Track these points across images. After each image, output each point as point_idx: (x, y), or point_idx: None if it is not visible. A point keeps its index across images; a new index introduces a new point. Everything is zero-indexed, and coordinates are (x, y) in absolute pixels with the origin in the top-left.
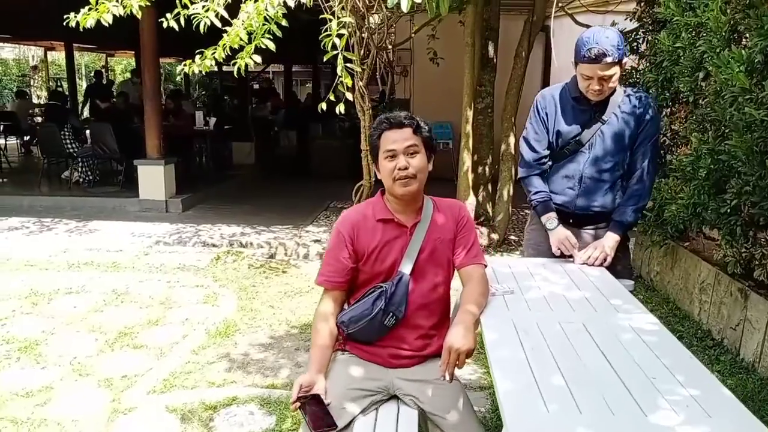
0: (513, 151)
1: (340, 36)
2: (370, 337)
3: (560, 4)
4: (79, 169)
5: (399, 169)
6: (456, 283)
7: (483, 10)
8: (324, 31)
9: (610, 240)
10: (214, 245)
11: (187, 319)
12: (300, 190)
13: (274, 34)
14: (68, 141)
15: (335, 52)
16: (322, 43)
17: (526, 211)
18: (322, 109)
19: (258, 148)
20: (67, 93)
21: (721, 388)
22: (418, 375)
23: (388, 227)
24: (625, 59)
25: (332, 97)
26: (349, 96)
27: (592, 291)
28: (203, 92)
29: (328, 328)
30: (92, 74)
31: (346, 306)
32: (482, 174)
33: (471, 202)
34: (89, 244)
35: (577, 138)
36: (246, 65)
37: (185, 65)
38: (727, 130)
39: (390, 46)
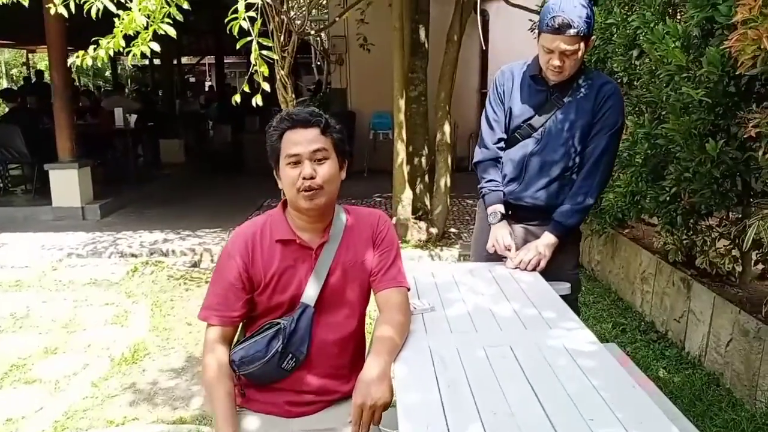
0: (449, 141)
1: (251, 21)
2: (264, 379)
3: None
4: None
5: (304, 179)
6: (374, 309)
7: None
8: (231, 13)
9: (545, 241)
10: (132, 255)
11: (90, 345)
12: (232, 189)
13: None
14: None
15: (248, 39)
16: (228, 27)
17: (468, 201)
18: (257, 103)
19: (188, 145)
20: None
21: (671, 429)
22: (326, 422)
23: (289, 249)
24: (594, 37)
25: (247, 88)
26: (266, 86)
27: (522, 302)
28: (136, 87)
29: (226, 379)
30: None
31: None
32: (418, 165)
33: (408, 196)
34: None
35: (529, 122)
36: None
37: (77, 57)
38: (663, 113)
39: (312, 32)
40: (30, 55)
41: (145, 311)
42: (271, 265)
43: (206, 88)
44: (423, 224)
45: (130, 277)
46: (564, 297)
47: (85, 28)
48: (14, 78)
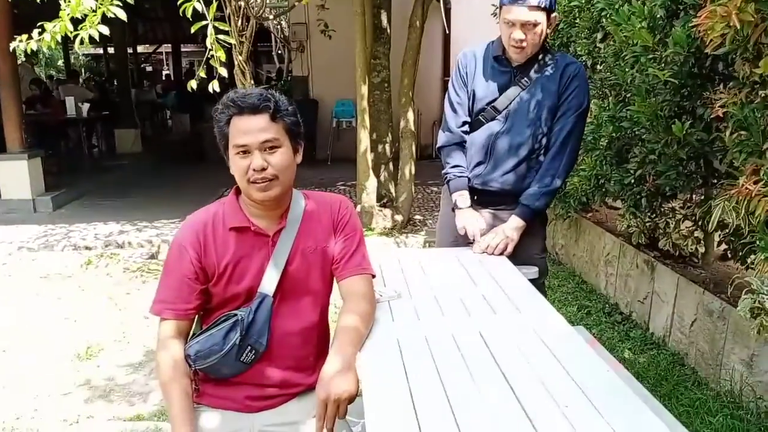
0: (413, 128)
1: (207, 4)
2: (222, 374)
3: None
4: None
5: (254, 170)
6: (338, 298)
7: None
8: None
9: (512, 224)
10: (86, 248)
11: (41, 341)
12: (191, 179)
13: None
14: None
15: (204, 23)
16: (181, 10)
17: (432, 188)
18: (214, 90)
19: (145, 135)
20: None
21: (647, 413)
22: (290, 416)
23: (243, 237)
24: (555, 14)
25: (203, 74)
26: (223, 72)
27: (490, 287)
28: (89, 76)
29: (181, 377)
30: None
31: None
32: (382, 153)
33: (372, 183)
34: None
35: (493, 104)
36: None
37: (20, 41)
38: (628, 95)
39: (271, 16)
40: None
41: (100, 306)
42: (225, 255)
43: (163, 77)
44: (388, 212)
45: (84, 271)
46: (531, 281)
47: (39, 16)
48: None
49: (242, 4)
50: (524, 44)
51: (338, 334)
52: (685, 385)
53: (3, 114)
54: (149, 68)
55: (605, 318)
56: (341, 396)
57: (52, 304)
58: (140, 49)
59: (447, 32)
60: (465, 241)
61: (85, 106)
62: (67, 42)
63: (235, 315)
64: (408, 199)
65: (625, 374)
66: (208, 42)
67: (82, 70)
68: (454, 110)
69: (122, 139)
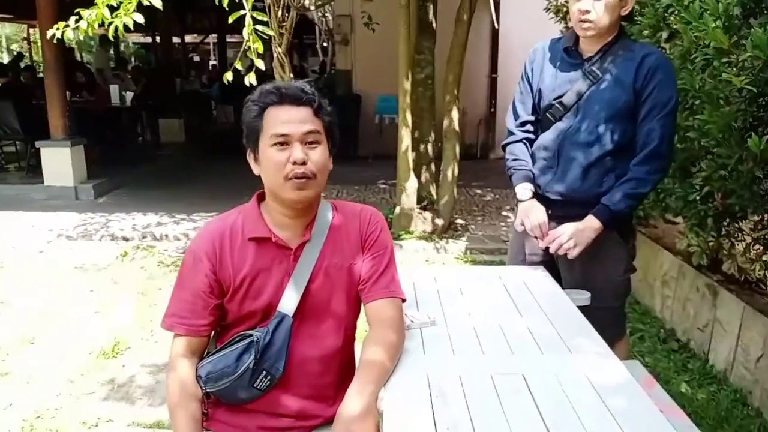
0: (457, 127)
1: None
2: (234, 399)
3: None
4: None
5: (294, 163)
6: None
7: None
8: None
9: (586, 223)
10: (124, 238)
11: (69, 335)
12: (232, 171)
13: None
14: None
15: (242, 13)
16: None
17: (476, 191)
18: (250, 82)
19: (189, 125)
20: None
21: None
22: None
23: (263, 249)
24: None
25: (239, 65)
26: (260, 64)
27: (537, 317)
28: (138, 64)
29: (190, 401)
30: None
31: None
32: (424, 153)
33: (412, 184)
34: None
35: (561, 99)
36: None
37: (57, 29)
38: (697, 102)
39: (313, 7)
40: (31, 30)
41: (131, 300)
42: (242, 268)
43: (210, 68)
44: (428, 214)
45: (119, 262)
46: (609, 306)
47: (81, 2)
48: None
49: None
50: (591, 17)
51: (360, 368)
52: (749, 429)
53: (47, 100)
54: (197, 58)
55: (660, 345)
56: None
57: (85, 296)
58: (188, 39)
59: (496, 27)
60: (535, 261)
61: (129, 95)
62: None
63: (251, 335)
64: (450, 201)
65: (687, 424)
66: (245, 33)
67: (131, 58)
68: (516, 110)
69: (166, 128)
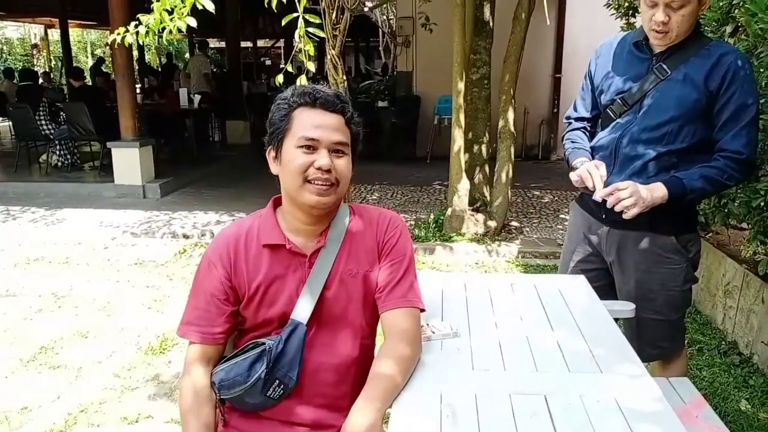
0: (512, 128)
1: None
2: (248, 406)
3: None
4: (57, 152)
5: (318, 169)
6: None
7: None
8: None
9: (653, 188)
10: (185, 236)
11: (122, 329)
12: None
13: None
14: (44, 123)
15: (294, 15)
16: (266, 1)
17: (534, 192)
18: (279, 83)
19: (255, 127)
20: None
21: None
22: None
23: (278, 256)
24: None
25: (290, 68)
26: (310, 66)
27: (569, 331)
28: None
29: (203, 408)
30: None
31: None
32: (478, 154)
33: (464, 186)
34: (49, 237)
35: (623, 95)
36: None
37: (117, 34)
38: (762, 101)
39: (366, 8)
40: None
41: (183, 297)
42: (256, 275)
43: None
44: (480, 216)
45: (176, 260)
46: (666, 319)
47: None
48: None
49: None
50: (667, 28)
51: (369, 382)
52: None
53: (118, 102)
54: (268, 62)
55: (720, 359)
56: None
57: (141, 291)
58: (260, 43)
59: (558, 25)
60: (588, 268)
61: (197, 98)
62: (192, 35)
63: (263, 344)
64: (503, 204)
65: None
66: (297, 35)
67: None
68: (575, 106)
69: (232, 130)
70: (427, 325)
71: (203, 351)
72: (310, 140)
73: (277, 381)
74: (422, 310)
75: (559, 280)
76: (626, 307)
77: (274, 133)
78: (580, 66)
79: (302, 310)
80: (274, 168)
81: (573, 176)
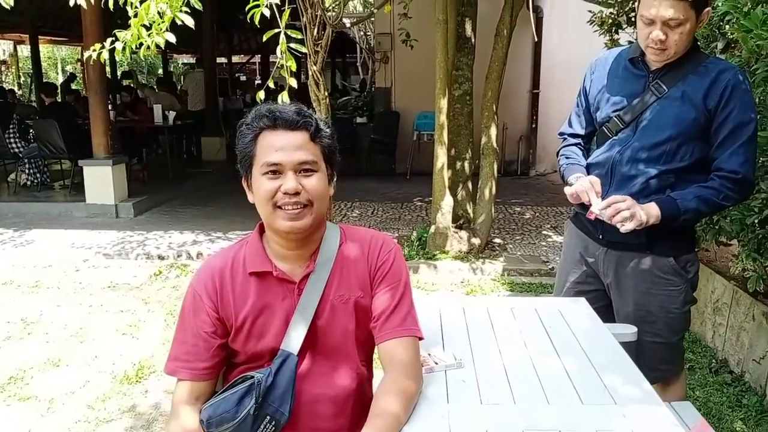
0: (495, 144)
1: (280, 10)
2: None
3: None
4: (27, 171)
5: (285, 193)
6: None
7: None
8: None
9: (648, 207)
10: (159, 257)
11: (96, 356)
12: None
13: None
14: (13, 141)
15: (276, 31)
16: (249, 15)
17: (515, 209)
18: (260, 99)
19: (230, 143)
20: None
21: None
22: None
23: (265, 284)
24: (709, 8)
25: (271, 84)
26: (293, 82)
27: (577, 358)
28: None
29: None
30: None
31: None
32: (461, 170)
33: (448, 203)
34: (17, 259)
35: (620, 112)
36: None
37: (93, 50)
38: (759, 117)
39: (349, 24)
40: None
41: (159, 321)
42: (243, 306)
43: (255, 87)
44: (464, 234)
45: (151, 282)
46: (665, 342)
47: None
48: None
49: (319, 12)
50: (665, 46)
51: (371, 419)
52: None
53: (90, 120)
54: (243, 78)
55: (712, 377)
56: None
57: (115, 316)
58: (235, 59)
59: (536, 40)
60: (583, 290)
61: (172, 114)
62: (166, 50)
63: (252, 377)
64: (487, 220)
65: None
66: (279, 51)
67: (182, 78)
68: (569, 122)
69: (207, 147)
70: (429, 355)
71: (192, 388)
72: (272, 165)
73: (268, 417)
74: (421, 339)
75: (560, 303)
76: (628, 330)
77: (242, 161)
78: (558, 82)
79: (293, 340)
80: (250, 197)
81: (568, 192)
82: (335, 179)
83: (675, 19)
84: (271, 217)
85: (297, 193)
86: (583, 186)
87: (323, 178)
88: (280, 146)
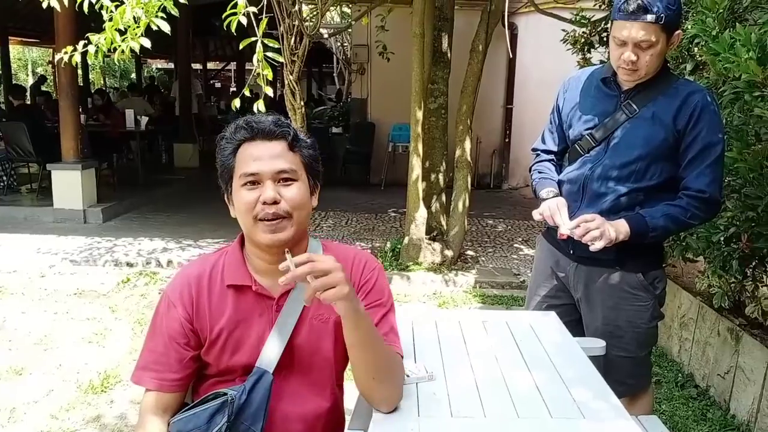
0: (469, 158)
1: (257, 19)
2: None
3: None
4: None
5: (264, 203)
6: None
7: None
8: (230, 8)
9: (617, 224)
10: (128, 264)
11: (60, 365)
12: None
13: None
14: None
15: (252, 39)
16: (225, 23)
17: (488, 221)
18: (258, 109)
19: (203, 150)
20: None
21: None
22: None
23: (243, 298)
24: (679, 31)
25: (247, 92)
26: (269, 91)
27: (546, 372)
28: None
29: None
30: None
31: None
32: (435, 183)
33: (421, 215)
34: None
35: (592, 131)
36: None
37: (65, 52)
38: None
39: (326, 35)
40: (56, 54)
41: (126, 329)
42: (219, 318)
43: (230, 94)
44: (437, 245)
45: (119, 289)
46: (633, 356)
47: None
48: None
49: (297, 23)
50: (636, 66)
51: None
52: None
53: (60, 124)
54: (218, 85)
55: (678, 391)
56: (336, 283)
57: (81, 324)
58: (210, 65)
59: (510, 57)
60: (554, 304)
61: (144, 120)
62: (140, 55)
63: (225, 394)
64: (460, 233)
65: None
66: (255, 59)
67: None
68: (543, 138)
69: (180, 153)
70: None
71: (160, 399)
72: (250, 175)
73: None
74: (401, 356)
75: (531, 317)
76: (597, 344)
77: (222, 175)
78: (531, 97)
79: (269, 358)
80: (231, 211)
81: (536, 214)
82: (318, 190)
83: (646, 41)
84: (252, 230)
85: (276, 203)
86: (550, 209)
87: (303, 188)
88: (257, 156)
